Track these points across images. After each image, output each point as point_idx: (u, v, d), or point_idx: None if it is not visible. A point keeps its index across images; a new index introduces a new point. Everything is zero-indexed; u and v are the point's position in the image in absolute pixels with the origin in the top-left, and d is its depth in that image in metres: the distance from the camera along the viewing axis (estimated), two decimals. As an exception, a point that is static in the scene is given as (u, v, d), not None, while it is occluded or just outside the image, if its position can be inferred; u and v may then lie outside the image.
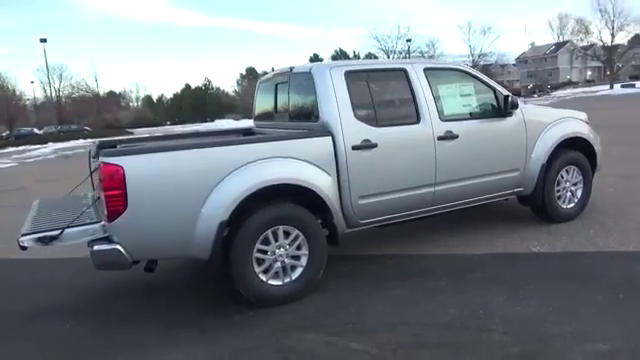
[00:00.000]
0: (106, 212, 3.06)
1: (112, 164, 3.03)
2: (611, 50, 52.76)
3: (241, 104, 67.39)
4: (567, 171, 4.91)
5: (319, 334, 3.11)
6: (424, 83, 4.14)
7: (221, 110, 70.88)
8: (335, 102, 3.74)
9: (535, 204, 4.83)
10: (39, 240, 3.00)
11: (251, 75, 76.25)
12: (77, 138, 35.15)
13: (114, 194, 3.02)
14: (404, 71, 4.13)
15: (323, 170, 3.64)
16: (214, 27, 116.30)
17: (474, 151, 4.29)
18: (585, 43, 57.89)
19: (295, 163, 3.53)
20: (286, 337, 3.11)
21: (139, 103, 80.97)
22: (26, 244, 2.99)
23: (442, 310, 3.30)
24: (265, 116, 4.89)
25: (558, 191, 4.88)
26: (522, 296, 3.40)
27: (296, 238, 3.57)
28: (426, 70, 4.21)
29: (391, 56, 55.24)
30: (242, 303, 3.53)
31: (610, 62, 53.62)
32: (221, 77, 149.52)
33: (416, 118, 4.07)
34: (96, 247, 3.06)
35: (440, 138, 4.10)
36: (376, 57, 61.82)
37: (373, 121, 3.88)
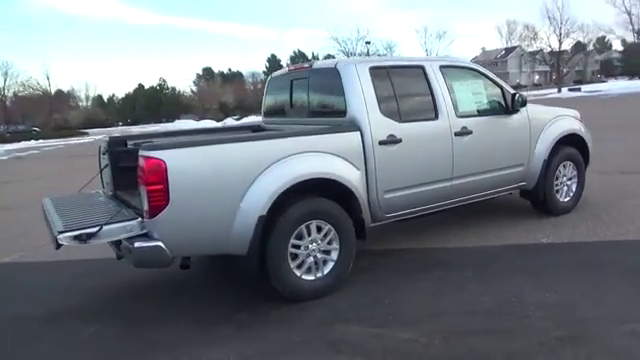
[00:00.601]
0: (147, 208, 2.96)
1: (154, 158, 2.94)
2: (558, 56, 55.59)
3: (199, 104, 66.32)
4: (564, 166, 5.15)
5: (363, 327, 3.14)
6: (441, 80, 4.25)
7: (177, 110, 69.37)
8: (362, 97, 3.78)
9: (537, 198, 5.05)
10: (76, 238, 2.87)
11: (208, 75, 75.07)
12: (28, 139, 33.50)
13: (156, 189, 2.93)
14: (422, 68, 4.22)
15: (353, 165, 3.67)
16: (166, 26, 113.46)
17: (486, 147, 4.44)
18: (534, 48, 60.71)
19: (330, 158, 3.55)
20: (331, 331, 3.11)
21: (89, 103, 77.86)
22: (64, 242, 2.85)
23: (476, 299, 3.39)
24: (278, 112, 4.86)
25: (556, 185, 5.11)
26: (547, 284, 3.54)
27: (328, 233, 3.58)
28: (442, 67, 4.33)
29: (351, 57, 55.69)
30: (273, 299, 3.50)
31: (557, 67, 56.44)
32: (176, 77, 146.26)
33: (434, 114, 4.17)
34: (137, 244, 2.95)
35: (457, 134, 4.22)
36: (334, 58, 62.26)
37: (397, 117, 3.94)
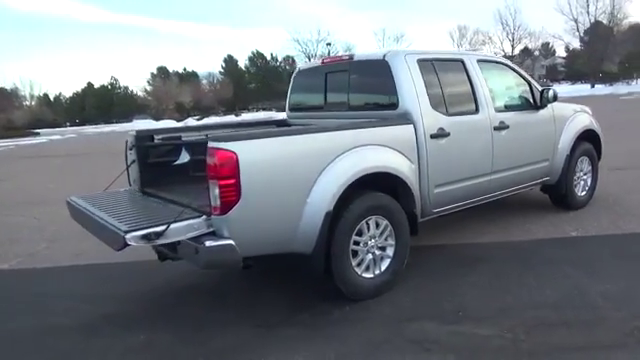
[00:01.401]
0: (218, 204, 2.75)
1: (225, 150, 2.73)
2: (512, 60, 57.91)
3: (154, 104, 64.23)
4: (581, 161, 5.28)
5: (436, 324, 3.04)
6: (479, 74, 4.23)
7: (130, 110, 67.04)
8: (414, 90, 3.70)
9: (559, 192, 5.13)
10: (144, 237, 2.62)
11: (163, 74, 72.87)
12: (-28, 139, 31.32)
13: (228, 183, 2.72)
14: (462, 62, 4.19)
15: (408, 159, 3.58)
16: (116, 24, 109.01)
17: (520, 141, 4.47)
18: (487, 53, 62.90)
19: (388, 151, 3.44)
20: (405, 328, 3.01)
21: (33, 102, 73.79)
22: (132, 242, 2.59)
23: (538, 292, 3.37)
24: (308, 107, 4.70)
25: (574, 180, 5.22)
26: (600, 276, 3.56)
27: (385, 228, 3.47)
28: (478, 61, 4.31)
29: (312, 59, 55.71)
30: (329, 297, 3.37)
31: (511, 71, 58.68)
32: (129, 76, 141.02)
33: (475, 108, 4.15)
34: (208, 243, 2.72)
35: (495, 128, 4.22)
36: (294, 60, 62.15)
37: (444, 110, 3.89)
